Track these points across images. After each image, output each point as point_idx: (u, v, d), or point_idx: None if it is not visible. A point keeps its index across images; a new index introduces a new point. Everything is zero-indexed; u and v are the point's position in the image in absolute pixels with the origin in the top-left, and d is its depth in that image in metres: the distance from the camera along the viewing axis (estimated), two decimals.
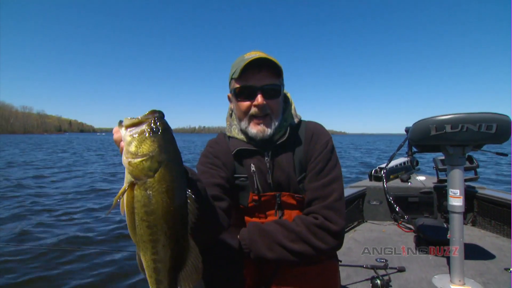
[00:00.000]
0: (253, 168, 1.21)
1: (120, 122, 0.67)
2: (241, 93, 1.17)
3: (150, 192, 0.63)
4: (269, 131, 1.17)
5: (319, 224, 1.09)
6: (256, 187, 1.21)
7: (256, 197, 1.22)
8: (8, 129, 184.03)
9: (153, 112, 0.65)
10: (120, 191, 0.64)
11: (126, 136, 0.64)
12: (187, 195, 0.69)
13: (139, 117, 0.65)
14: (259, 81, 1.14)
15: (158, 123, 0.64)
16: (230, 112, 1.34)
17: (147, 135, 0.63)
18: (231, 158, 1.25)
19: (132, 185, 0.64)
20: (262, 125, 1.17)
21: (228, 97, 1.30)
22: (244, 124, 1.20)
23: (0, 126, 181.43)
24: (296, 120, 1.28)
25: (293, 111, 1.30)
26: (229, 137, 1.31)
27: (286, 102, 1.31)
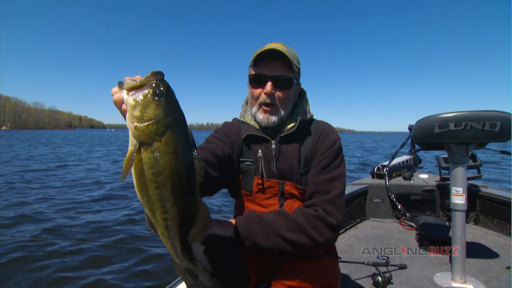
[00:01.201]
0: (260, 153, 1.26)
1: (120, 83, 0.65)
2: (254, 80, 1.23)
3: (157, 154, 0.63)
4: (273, 119, 1.22)
5: (318, 216, 1.11)
6: (260, 171, 1.26)
7: (259, 181, 1.26)
8: (21, 125, 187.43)
9: (155, 73, 0.63)
10: (128, 154, 0.64)
11: (129, 99, 0.63)
12: (194, 155, 0.69)
13: (141, 80, 0.63)
14: (271, 71, 1.19)
15: (161, 86, 0.63)
16: (247, 100, 1.40)
17: (151, 98, 0.62)
18: (240, 142, 1.30)
19: (138, 147, 0.63)
20: (267, 113, 1.22)
21: (248, 83, 1.36)
22: (254, 109, 1.26)
23: (14, 121, 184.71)
24: (307, 117, 1.32)
25: (307, 108, 1.34)
26: (242, 122, 1.36)
27: (302, 98, 1.35)
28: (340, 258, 1.48)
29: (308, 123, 1.32)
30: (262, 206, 1.27)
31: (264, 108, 1.22)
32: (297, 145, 1.26)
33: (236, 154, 1.29)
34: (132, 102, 0.62)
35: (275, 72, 1.19)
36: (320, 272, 1.23)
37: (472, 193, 3.17)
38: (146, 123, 0.62)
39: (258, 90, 1.22)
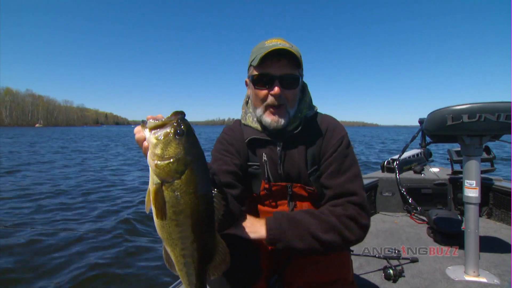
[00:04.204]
0: (264, 157, 1.22)
1: (143, 122, 0.68)
2: (259, 81, 1.15)
3: (178, 193, 0.65)
4: (282, 121, 1.16)
5: (350, 216, 1.09)
6: (266, 176, 1.22)
7: (267, 186, 1.23)
8: (52, 122, 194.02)
9: (176, 113, 0.66)
10: (150, 193, 0.66)
11: (151, 138, 0.65)
12: (213, 194, 0.71)
13: (163, 119, 0.66)
14: (278, 70, 1.12)
15: (182, 125, 0.65)
16: (247, 99, 1.34)
17: (172, 137, 0.64)
18: (245, 146, 1.26)
19: (160, 186, 0.65)
20: (276, 115, 1.16)
21: (246, 82, 1.28)
22: (259, 112, 1.20)
23: (46, 119, 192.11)
24: (311, 112, 1.27)
25: (310, 102, 1.29)
26: (244, 125, 1.31)
27: (304, 92, 1.29)
28: (352, 251, 1.48)
29: (312, 119, 1.26)
30: (272, 207, 1.26)
31: (272, 110, 1.16)
32: (303, 146, 1.22)
33: (244, 159, 1.25)
34: (154, 141, 0.65)
35: (281, 71, 1.12)
36: (332, 265, 1.23)
37: (486, 187, 3.12)
38: (166, 161, 0.64)
39: (263, 91, 1.15)
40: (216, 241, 0.74)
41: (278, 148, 1.21)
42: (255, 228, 1.09)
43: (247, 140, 1.24)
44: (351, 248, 1.40)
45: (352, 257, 2.24)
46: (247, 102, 1.34)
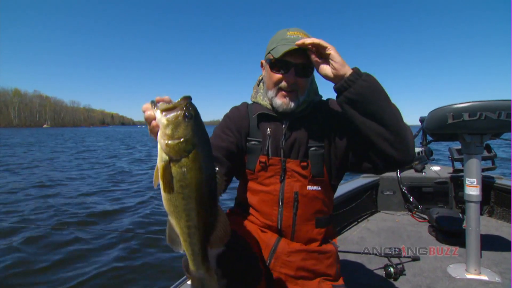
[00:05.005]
0: (269, 131, 1.26)
1: (153, 102, 0.74)
2: (275, 65, 1.20)
3: (185, 170, 0.72)
4: (292, 104, 1.21)
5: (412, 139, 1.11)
6: (267, 149, 1.25)
7: (263, 159, 1.25)
8: (59, 122, 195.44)
9: (185, 98, 0.72)
10: (159, 169, 0.73)
11: (162, 119, 0.72)
12: (216, 171, 0.79)
13: (174, 102, 0.73)
14: (296, 58, 1.16)
15: (190, 109, 0.72)
16: (258, 82, 1.39)
17: (181, 119, 0.71)
18: (247, 122, 1.31)
19: (168, 163, 0.72)
20: (287, 98, 1.21)
21: (261, 63, 1.33)
22: (271, 93, 1.24)
23: (53, 119, 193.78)
24: (318, 98, 1.32)
25: (315, 90, 1.34)
26: (253, 103, 1.36)
27: (311, 80, 1.33)
28: (338, 247, 1.46)
29: (318, 103, 1.32)
30: (264, 184, 1.27)
31: (284, 93, 1.21)
32: (307, 126, 1.26)
33: (244, 135, 1.29)
34: (165, 122, 0.71)
35: (298, 59, 1.17)
36: (317, 260, 1.24)
37: (487, 185, 3.12)
38: (176, 141, 0.71)
39: (279, 76, 1.20)
40: (218, 213, 0.80)
41: (283, 126, 1.26)
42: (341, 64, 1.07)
43: (256, 114, 1.29)
44: (352, 247, 1.40)
45: (353, 256, 2.27)
46: (258, 84, 1.39)
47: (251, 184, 1.31)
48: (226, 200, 3.85)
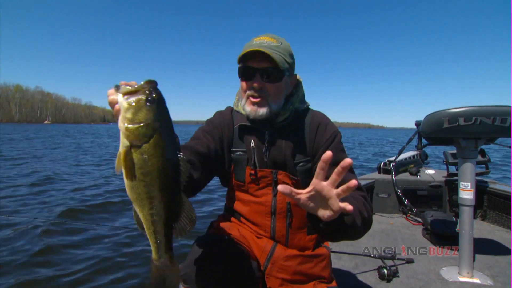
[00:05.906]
0: (252, 144, 1.23)
1: (117, 86, 0.71)
2: (242, 73, 1.20)
3: (146, 156, 0.70)
4: (261, 111, 1.17)
5: (367, 201, 1.09)
6: (253, 162, 1.23)
7: (252, 171, 1.23)
8: (60, 119, 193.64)
9: (149, 82, 0.70)
10: (119, 155, 0.70)
11: (123, 102, 0.69)
12: (179, 158, 0.76)
13: (136, 86, 0.70)
14: (259, 63, 1.14)
15: (153, 93, 0.69)
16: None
17: (143, 103, 0.68)
18: (231, 132, 1.27)
19: (129, 149, 0.70)
20: (255, 105, 1.18)
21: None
22: (243, 101, 1.23)
23: (54, 116, 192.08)
24: (302, 106, 1.28)
25: (302, 98, 1.30)
26: (236, 111, 1.32)
27: (297, 87, 1.30)
28: (331, 249, 1.46)
29: (303, 113, 1.28)
30: (255, 196, 1.25)
31: (252, 100, 1.18)
32: (292, 136, 1.23)
33: (227, 144, 1.26)
34: (126, 105, 0.68)
35: (263, 64, 1.14)
36: (312, 263, 1.24)
37: (480, 189, 3.15)
38: (136, 125, 0.68)
39: (246, 83, 1.19)
40: (183, 201, 0.78)
41: (266, 137, 1.23)
42: None
43: (237, 126, 1.26)
44: (346, 248, 1.40)
45: (347, 257, 2.28)
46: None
47: (241, 195, 1.29)
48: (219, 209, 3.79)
